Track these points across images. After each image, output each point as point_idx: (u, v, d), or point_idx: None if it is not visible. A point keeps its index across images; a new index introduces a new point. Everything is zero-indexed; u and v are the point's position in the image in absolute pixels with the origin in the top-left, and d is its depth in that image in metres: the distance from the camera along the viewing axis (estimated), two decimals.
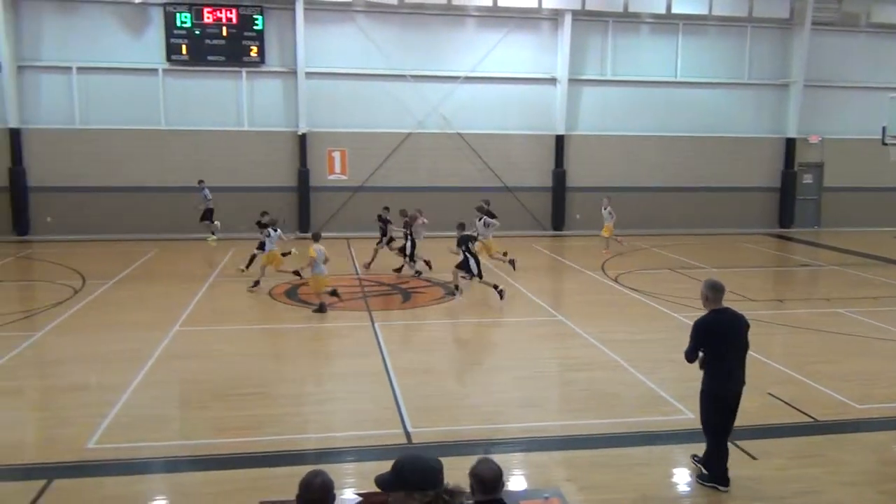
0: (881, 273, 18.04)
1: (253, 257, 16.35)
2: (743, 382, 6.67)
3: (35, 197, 22.57)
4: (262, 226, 16.08)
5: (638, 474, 7.10)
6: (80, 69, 22.39)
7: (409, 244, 16.77)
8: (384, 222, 18.12)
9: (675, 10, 24.39)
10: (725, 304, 6.70)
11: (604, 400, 9.19)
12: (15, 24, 21.95)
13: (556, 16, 24.42)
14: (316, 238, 13.94)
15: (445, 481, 3.34)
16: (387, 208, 18.40)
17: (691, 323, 6.71)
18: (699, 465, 7.01)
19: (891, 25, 25.81)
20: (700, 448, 7.04)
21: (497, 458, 4.24)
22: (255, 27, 22.81)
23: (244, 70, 23.17)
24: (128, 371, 9.92)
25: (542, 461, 7.52)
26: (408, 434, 7.99)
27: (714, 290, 6.62)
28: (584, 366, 10.62)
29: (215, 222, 21.83)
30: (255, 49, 22.91)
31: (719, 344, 6.59)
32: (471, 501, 3.88)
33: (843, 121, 26.42)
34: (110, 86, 22.67)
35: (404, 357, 10.96)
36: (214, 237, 21.86)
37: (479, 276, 14.60)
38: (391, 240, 18.09)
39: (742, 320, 6.67)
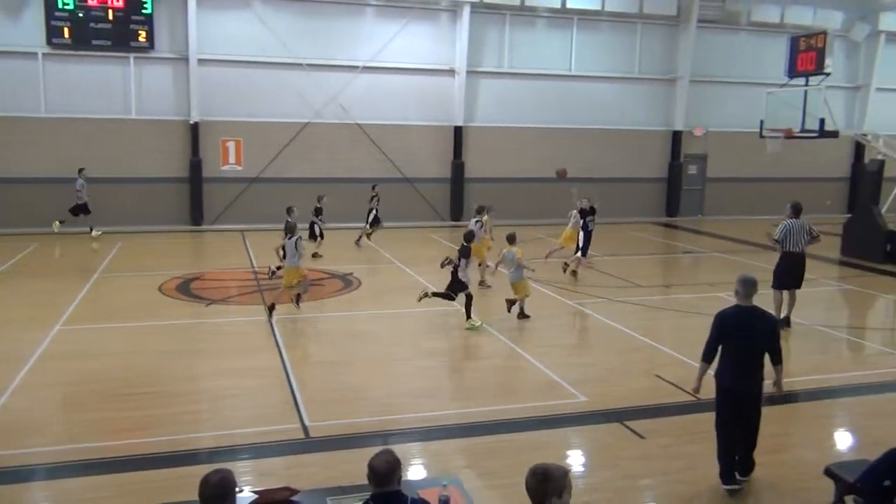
0: (759, 259, 19.10)
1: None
2: (754, 382, 6.48)
3: None
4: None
5: (536, 458, 7.27)
6: None
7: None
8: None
9: (569, 6, 24.97)
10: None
11: (502, 387, 9.38)
12: None
13: (455, 7, 24.56)
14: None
15: None
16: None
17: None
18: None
19: (770, 24, 27.19)
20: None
21: (395, 448, 4.27)
22: (143, 11, 21.82)
23: (132, 56, 22.17)
24: (4, 373, 9.36)
25: (439, 449, 7.61)
26: (305, 428, 7.92)
27: (743, 285, 6.47)
28: (483, 356, 10.82)
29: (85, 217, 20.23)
30: (143, 34, 21.94)
31: (732, 339, 6.52)
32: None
33: (725, 114, 27.86)
34: None
35: (300, 351, 10.85)
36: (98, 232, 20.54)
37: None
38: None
39: (765, 321, 6.52)
